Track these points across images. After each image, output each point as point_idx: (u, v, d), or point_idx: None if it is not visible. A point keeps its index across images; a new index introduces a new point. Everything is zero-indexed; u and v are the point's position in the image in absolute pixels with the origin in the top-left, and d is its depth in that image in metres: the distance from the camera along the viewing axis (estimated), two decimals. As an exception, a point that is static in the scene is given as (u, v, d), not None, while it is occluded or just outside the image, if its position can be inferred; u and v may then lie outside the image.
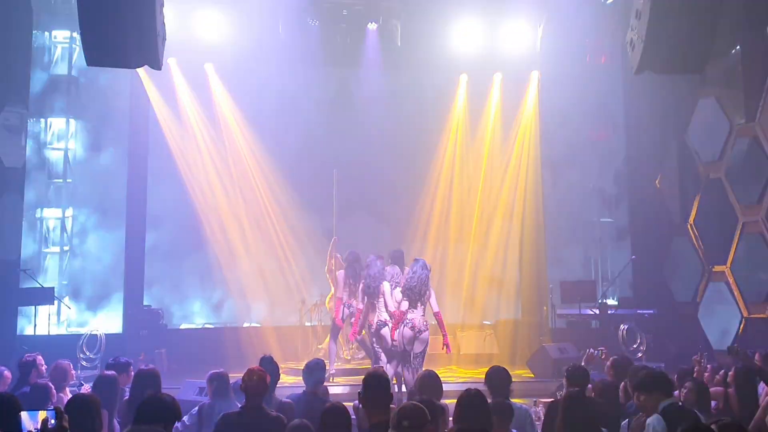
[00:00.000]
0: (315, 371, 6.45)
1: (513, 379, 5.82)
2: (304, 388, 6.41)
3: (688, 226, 13.30)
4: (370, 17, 14.27)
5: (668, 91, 13.23)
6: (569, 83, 14.53)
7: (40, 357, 7.24)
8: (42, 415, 4.11)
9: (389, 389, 4.62)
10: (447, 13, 13.67)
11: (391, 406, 4.63)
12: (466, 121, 15.41)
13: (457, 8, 13.65)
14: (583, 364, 6.64)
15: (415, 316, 9.13)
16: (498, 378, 5.68)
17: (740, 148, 12.39)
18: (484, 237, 14.92)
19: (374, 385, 4.53)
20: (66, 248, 13.24)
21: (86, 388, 6.95)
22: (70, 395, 6.43)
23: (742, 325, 12.09)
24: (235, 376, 5.94)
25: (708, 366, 7.16)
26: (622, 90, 14.73)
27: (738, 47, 12.39)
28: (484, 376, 5.89)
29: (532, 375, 11.59)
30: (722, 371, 6.76)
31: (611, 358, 6.68)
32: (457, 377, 11.84)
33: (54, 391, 6.41)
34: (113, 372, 6.36)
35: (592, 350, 7.30)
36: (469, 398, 4.60)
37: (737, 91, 12.50)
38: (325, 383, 6.76)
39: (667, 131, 13.99)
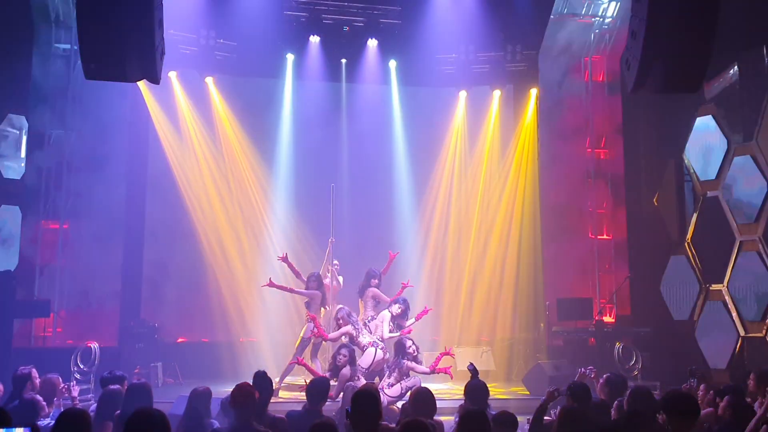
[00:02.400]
0: (319, 389, 6.42)
1: (508, 397, 5.91)
2: (305, 405, 6.38)
3: (686, 244, 13.30)
4: (371, 33, 14.36)
5: (666, 109, 13.28)
6: (568, 101, 14.60)
7: (34, 370, 7.22)
8: (18, 432, 4.08)
9: (378, 406, 4.62)
10: (446, 30, 13.73)
11: (382, 423, 4.62)
12: (465, 137, 15.49)
13: (455, 27, 13.73)
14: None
15: None
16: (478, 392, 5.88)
17: (738, 167, 12.41)
18: (482, 253, 14.94)
19: (363, 402, 4.53)
20: (63, 260, 13.23)
21: (77, 403, 6.94)
22: (62, 409, 6.42)
23: (739, 344, 12.07)
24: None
25: (702, 386, 7.14)
26: (621, 107, 14.77)
27: (736, 66, 12.44)
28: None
29: (528, 392, 11.55)
30: (712, 391, 6.73)
31: (604, 376, 6.65)
32: (453, 394, 11.79)
33: (43, 404, 6.38)
34: (118, 386, 6.36)
35: (583, 370, 7.30)
36: (470, 416, 4.59)
37: (735, 109, 12.54)
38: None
39: (665, 149, 14.00)
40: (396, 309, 10.56)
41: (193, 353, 13.55)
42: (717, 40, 6.71)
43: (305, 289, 11.42)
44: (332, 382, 9.13)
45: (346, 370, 9.47)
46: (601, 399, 6.17)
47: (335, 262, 12.40)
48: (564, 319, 13.22)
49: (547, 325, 13.66)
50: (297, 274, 11.63)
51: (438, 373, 9.72)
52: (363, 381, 9.47)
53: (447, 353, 9.86)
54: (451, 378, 10.03)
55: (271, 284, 11.26)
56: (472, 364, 7.24)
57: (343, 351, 9.62)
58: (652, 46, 6.51)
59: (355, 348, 10.08)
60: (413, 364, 9.64)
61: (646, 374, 11.84)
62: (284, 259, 11.54)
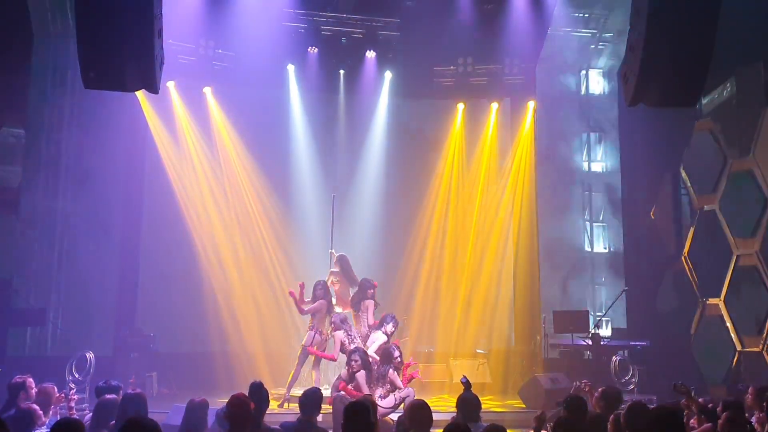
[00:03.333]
0: (312, 400, 6.38)
1: (504, 410, 5.88)
2: (299, 416, 6.34)
3: (683, 258, 13.30)
4: (369, 46, 14.39)
5: (664, 122, 13.32)
6: (565, 114, 14.65)
7: (30, 379, 7.17)
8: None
9: (370, 418, 4.61)
10: (445, 42, 13.77)
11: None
12: (463, 149, 15.50)
13: (453, 40, 13.77)
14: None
15: None
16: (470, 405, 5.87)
17: (734, 181, 12.43)
18: (479, 265, 14.94)
19: (355, 415, 4.52)
20: (59, 269, 13.20)
21: (73, 412, 6.91)
22: (58, 417, 6.40)
23: (735, 359, 12.05)
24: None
25: (699, 400, 7.10)
26: (618, 121, 14.82)
27: (733, 81, 12.49)
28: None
29: (524, 405, 11.51)
30: (710, 405, 6.71)
31: (600, 390, 6.62)
32: (449, 406, 11.74)
33: (40, 413, 6.35)
34: (113, 395, 6.33)
35: (578, 383, 7.29)
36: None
37: (732, 124, 12.57)
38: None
39: (662, 163, 14.05)
40: (390, 328, 10.52)
41: (189, 363, 13.48)
42: (715, 55, 6.73)
43: (312, 301, 11.35)
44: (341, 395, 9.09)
45: (362, 375, 9.40)
46: (597, 412, 6.15)
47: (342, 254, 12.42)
48: (560, 332, 13.21)
49: (543, 338, 13.64)
50: (300, 310, 11.53)
51: (411, 380, 9.68)
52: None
53: (408, 365, 9.82)
54: (421, 380, 9.98)
55: (292, 294, 11.21)
56: (465, 377, 7.21)
57: (355, 356, 9.54)
58: (650, 60, 6.53)
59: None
60: (395, 376, 9.54)
61: (642, 388, 11.80)
62: (301, 287, 11.42)
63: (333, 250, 12.67)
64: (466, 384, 6.91)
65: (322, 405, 6.37)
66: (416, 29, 13.86)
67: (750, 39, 11.48)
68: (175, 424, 7.39)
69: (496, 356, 14.08)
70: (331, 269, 12.03)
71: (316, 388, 6.82)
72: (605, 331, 13.61)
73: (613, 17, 14.25)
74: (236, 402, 5.14)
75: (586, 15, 14.35)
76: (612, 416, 5.69)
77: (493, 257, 14.88)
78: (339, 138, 15.04)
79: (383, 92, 14.93)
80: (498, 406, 11.73)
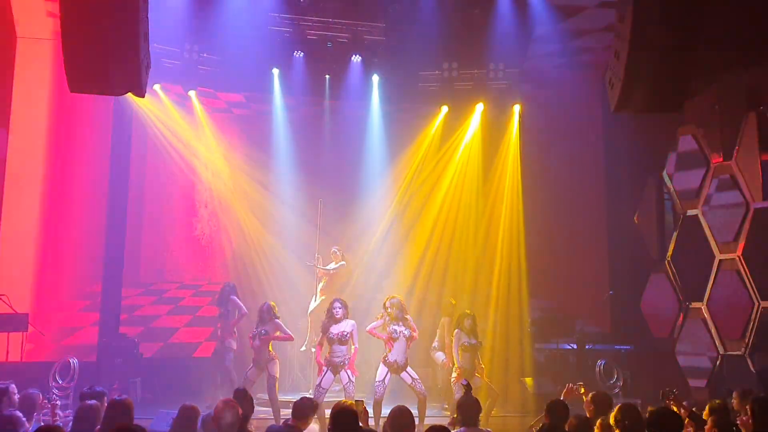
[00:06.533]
0: (307, 407, 6.37)
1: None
2: (287, 419, 6.33)
3: (666, 263, 13.38)
4: (355, 50, 14.39)
5: (647, 127, 13.40)
6: (549, 119, 14.69)
7: (13, 386, 7.11)
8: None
9: (357, 423, 4.62)
10: (430, 47, 13.79)
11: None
12: (450, 153, 15.50)
13: (439, 45, 13.79)
14: (562, 398, 6.63)
15: None
16: (471, 408, 5.83)
17: (717, 186, 12.52)
18: (464, 269, 14.93)
19: (342, 420, 4.52)
20: (42, 274, 13.10)
21: (57, 419, 6.86)
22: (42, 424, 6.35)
23: (718, 362, 12.13)
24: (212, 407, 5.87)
25: (684, 403, 7.14)
26: (602, 126, 14.88)
27: (716, 86, 12.58)
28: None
29: (510, 409, 11.53)
30: (694, 409, 6.75)
31: (590, 394, 6.65)
32: (435, 413, 11.74)
33: (23, 420, 6.29)
34: (95, 401, 6.27)
35: (571, 385, 7.30)
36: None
37: (715, 129, 12.66)
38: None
39: (645, 167, 14.12)
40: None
41: (173, 369, 13.40)
42: (697, 61, 6.77)
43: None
44: None
45: None
46: (585, 416, 6.16)
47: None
48: (546, 337, 13.23)
49: (529, 342, 13.65)
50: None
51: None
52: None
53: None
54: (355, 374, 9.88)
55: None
56: (465, 380, 7.27)
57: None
58: (634, 66, 6.58)
59: None
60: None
61: (627, 391, 11.86)
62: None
63: (318, 256, 12.72)
64: (467, 387, 6.97)
65: None
66: (402, 33, 13.87)
67: (733, 44, 11.57)
68: (161, 431, 7.36)
69: (482, 360, 14.07)
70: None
71: (309, 398, 6.83)
72: (590, 336, 13.63)
73: (598, 23, 14.28)
74: (224, 408, 5.12)
75: (571, 19, 14.37)
76: (599, 420, 5.71)
77: (482, 261, 14.89)
78: (324, 142, 15.02)
79: (373, 96, 14.93)
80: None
